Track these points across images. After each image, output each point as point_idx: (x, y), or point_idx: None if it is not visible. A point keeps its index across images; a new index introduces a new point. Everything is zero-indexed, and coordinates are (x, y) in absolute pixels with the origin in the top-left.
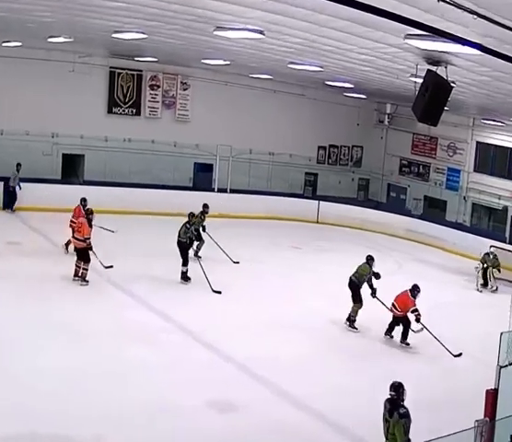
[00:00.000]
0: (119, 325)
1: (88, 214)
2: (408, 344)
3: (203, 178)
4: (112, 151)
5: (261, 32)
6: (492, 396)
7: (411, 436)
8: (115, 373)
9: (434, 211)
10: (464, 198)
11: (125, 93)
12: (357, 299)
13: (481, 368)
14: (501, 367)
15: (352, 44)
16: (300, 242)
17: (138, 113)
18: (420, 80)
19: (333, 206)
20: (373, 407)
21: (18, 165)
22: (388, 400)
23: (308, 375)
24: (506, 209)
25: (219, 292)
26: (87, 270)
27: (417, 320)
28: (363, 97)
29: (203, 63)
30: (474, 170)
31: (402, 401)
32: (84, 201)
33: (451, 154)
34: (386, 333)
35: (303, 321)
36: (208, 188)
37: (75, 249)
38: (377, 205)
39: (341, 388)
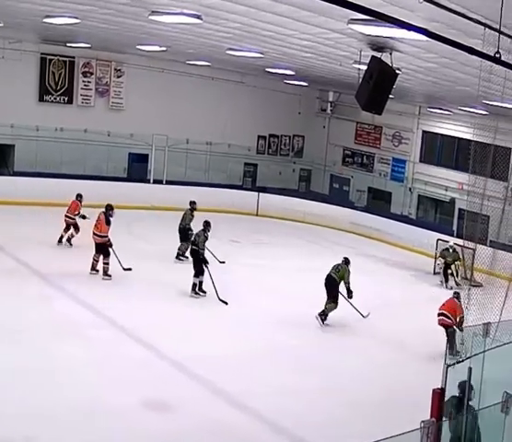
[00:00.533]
0: (48, 320)
1: (108, 210)
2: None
3: (138, 168)
4: (44, 141)
5: (198, 17)
6: (438, 396)
7: (354, 435)
8: (46, 371)
9: (378, 203)
10: (410, 189)
11: (57, 80)
12: (335, 298)
13: (426, 366)
14: (448, 366)
15: (293, 29)
16: (239, 236)
17: (70, 101)
18: (364, 67)
19: (274, 198)
20: (314, 408)
21: None
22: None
23: (245, 373)
24: (453, 201)
25: (225, 302)
26: (108, 264)
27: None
28: (304, 84)
29: (139, 49)
30: (420, 161)
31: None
32: (80, 196)
33: (396, 144)
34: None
35: (241, 318)
36: (143, 179)
37: (95, 244)
38: (319, 197)
39: (281, 387)
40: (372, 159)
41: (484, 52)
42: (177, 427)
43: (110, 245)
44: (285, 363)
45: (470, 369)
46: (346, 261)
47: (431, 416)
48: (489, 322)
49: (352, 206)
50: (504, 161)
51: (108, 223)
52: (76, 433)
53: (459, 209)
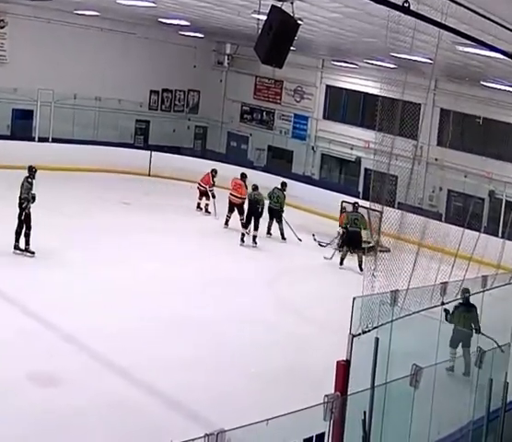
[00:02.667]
0: None
1: (244, 177)
2: None
3: (22, 125)
4: None
5: None
6: (343, 368)
7: (252, 410)
8: None
9: (279, 162)
10: (312, 148)
11: None
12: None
13: (330, 337)
14: (353, 336)
15: None
16: (130, 197)
17: None
18: (263, 17)
19: (167, 157)
20: (211, 381)
21: None
22: None
23: (139, 345)
24: (359, 161)
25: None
26: (243, 220)
27: None
28: (200, 36)
29: None
30: (324, 117)
31: None
32: (215, 172)
33: (298, 99)
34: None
35: (134, 287)
36: (28, 137)
37: (234, 204)
38: (215, 156)
39: (176, 360)
40: (272, 116)
41: (392, 0)
42: (67, 403)
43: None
44: (180, 334)
45: (376, 340)
46: (284, 186)
47: (335, 390)
48: (397, 290)
49: (250, 166)
50: (413, 118)
51: (246, 186)
52: None
53: (366, 169)
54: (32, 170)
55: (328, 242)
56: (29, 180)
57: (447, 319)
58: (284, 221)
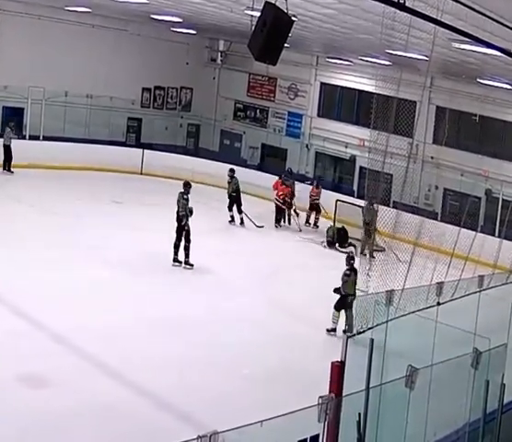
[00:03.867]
0: None
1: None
2: None
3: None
4: None
5: None
6: (338, 369)
7: (246, 411)
8: None
9: (273, 161)
10: (307, 146)
11: None
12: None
13: (325, 338)
14: (348, 337)
15: None
16: (122, 196)
17: None
18: (257, 14)
19: (159, 156)
20: (202, 381)
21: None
22: None
23: (128, 346)
24: (353, 159)
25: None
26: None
27: None
28: (193, 32)
29: None
30: (318, 115)
31: None
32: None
33: (292, 96)
34: None
35: (125, 286)
36: (18, 134)
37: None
38: (208, 155)
39: (166, 360)
40: (266, 113)
41: None
42: (57, 404)
43: None
44: (172, 334)
45: (371, 340)
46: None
47: (330, 391)
48: (392, 290)
49: (244, 164)
50: (408, 115)
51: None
52: None
53: (361, 167)
54: (187, 186)
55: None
56: (185, 196)
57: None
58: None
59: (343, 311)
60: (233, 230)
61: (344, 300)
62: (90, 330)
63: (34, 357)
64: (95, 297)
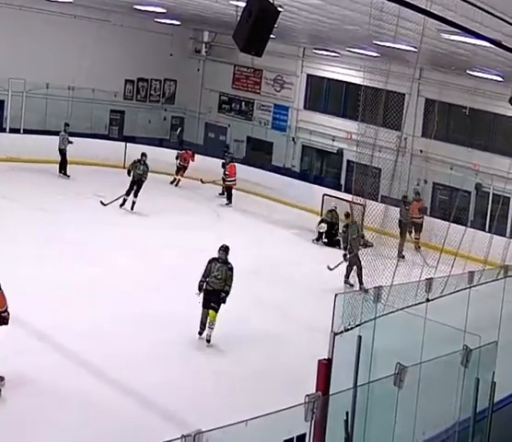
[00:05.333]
0: None
1: None
2: None
3: None
4: None
5: None
6: (325, 367)
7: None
8: None
9: (258, 154)
10: (293, 139)
11: None
12: None
13: (311, 335)
14: (335, 334)
15: None
16: (104, 190)
17: None
18: (242, 4)
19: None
20: (186, 379)
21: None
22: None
23: (113, 343)
24: (341, 152)
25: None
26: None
27: None
28: (177, 23)
29: None
30: (305, 108)
31: None
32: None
33: (278, 89)
34: None
35: (107, 282)
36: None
37: None
38: (192, 148)
39: (150, 358)
40: (251, 106)
41: None
42: (38, 403)
43: None
44: (154, 331)
45: (359, 338)
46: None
47: (317, 390)
48: (380, 286)
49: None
50: (397, 108)
51: None
52: None
53: (348, 161)
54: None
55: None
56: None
57: None
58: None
59: None
60: (223, 225)
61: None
62: (74, 327)
63: (17, 354)
64: (79, 294)
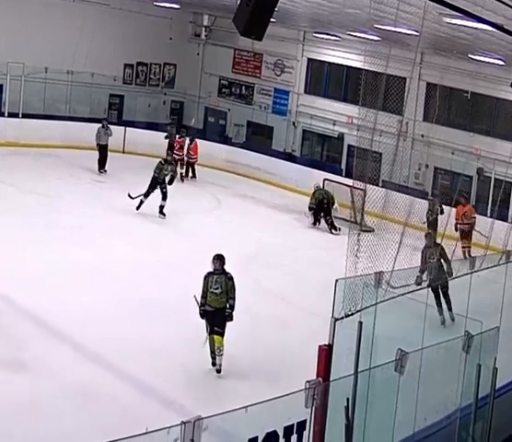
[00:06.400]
0: None
1: None
2: None
3: None
4: None
5: None
6: (325, 353)
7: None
8: None
9: (258, 139)
10: (293, 124)
11: None
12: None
13: (312, 320)
14: (336, 320)
15: None
16: (103, 175)
17: None
18: None
19: (142, 133)
20: (186, 367)
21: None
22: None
23: (111, 329)
24: (341, 137)
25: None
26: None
27: None
28: (176, 6)
29: None
30: (305, 92)
31: None
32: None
33: (278, 73)
34: None
35: (106, 268)
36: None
37: None
38: (192, 132)
39: (148, 344)
40: (251, 90)
41: None
42: (35, 388)
43: None
44: (152, 317)
45: (360, 324)
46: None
47: (317, 376)
48: (381, 272)
49: (229, 142)
50: (398, 92)
51: None
52: None
53: (349, 145)
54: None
55: None
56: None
57: None
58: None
59: None
60: (223, 210)
61: None
62: (70, 312)
63: (13, 339)
64: (75, 279)
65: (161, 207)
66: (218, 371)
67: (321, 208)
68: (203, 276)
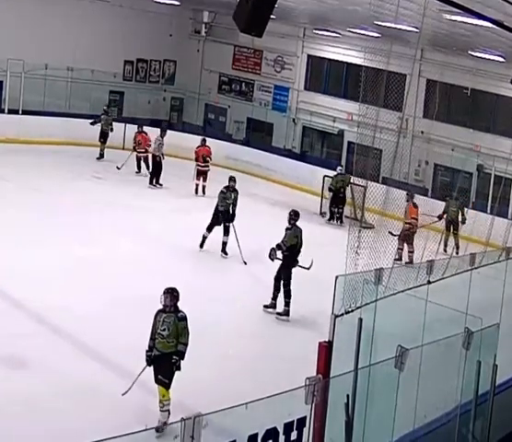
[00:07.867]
0: None
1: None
2: None
3: None
4: None
5: None
6: (325, 350)
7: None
8: None
9: (258, 135)
10: (294, 120)
11: None
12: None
13: (312, 317)
14: (336, 317)
15: None
16: (101, 172)
17: None
18: None
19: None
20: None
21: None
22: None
23: (113, 327)
24: (341, 133)
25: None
26: None
27: None
28: (176, 3)
29: None
30: (305, 89)
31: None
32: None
33: (278, 69)
34: None
35: (107, 265)
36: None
37: None
38: (192, 129)
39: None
40: (251, 87)
41: None
42: (36, 385)
43: None
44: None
45: (360, 320)
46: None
47: (317, 372)
48: (381, 268)
49: (229, 139)
50: (398, 89)
51: None
52: None
53: (349, 142)
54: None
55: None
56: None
57: None
58: None
59: None
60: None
61: None
62: (71, 310)
63: (14, 337)
64: (76, 276)
65: (224, 244)
66: (157, 430)
67: (337, 196)
68: (154, 314)
